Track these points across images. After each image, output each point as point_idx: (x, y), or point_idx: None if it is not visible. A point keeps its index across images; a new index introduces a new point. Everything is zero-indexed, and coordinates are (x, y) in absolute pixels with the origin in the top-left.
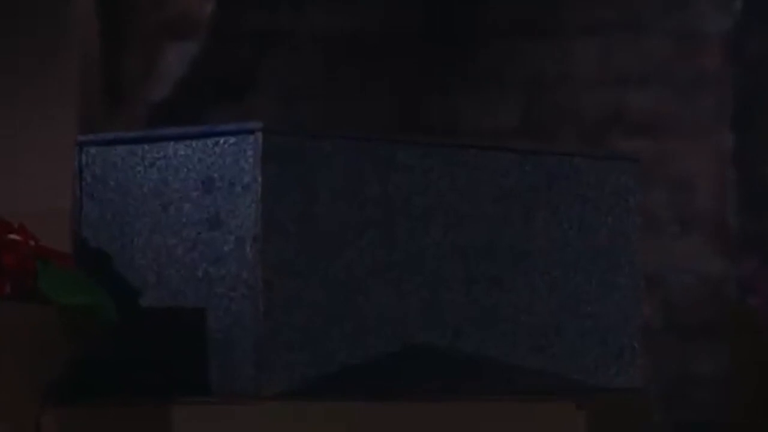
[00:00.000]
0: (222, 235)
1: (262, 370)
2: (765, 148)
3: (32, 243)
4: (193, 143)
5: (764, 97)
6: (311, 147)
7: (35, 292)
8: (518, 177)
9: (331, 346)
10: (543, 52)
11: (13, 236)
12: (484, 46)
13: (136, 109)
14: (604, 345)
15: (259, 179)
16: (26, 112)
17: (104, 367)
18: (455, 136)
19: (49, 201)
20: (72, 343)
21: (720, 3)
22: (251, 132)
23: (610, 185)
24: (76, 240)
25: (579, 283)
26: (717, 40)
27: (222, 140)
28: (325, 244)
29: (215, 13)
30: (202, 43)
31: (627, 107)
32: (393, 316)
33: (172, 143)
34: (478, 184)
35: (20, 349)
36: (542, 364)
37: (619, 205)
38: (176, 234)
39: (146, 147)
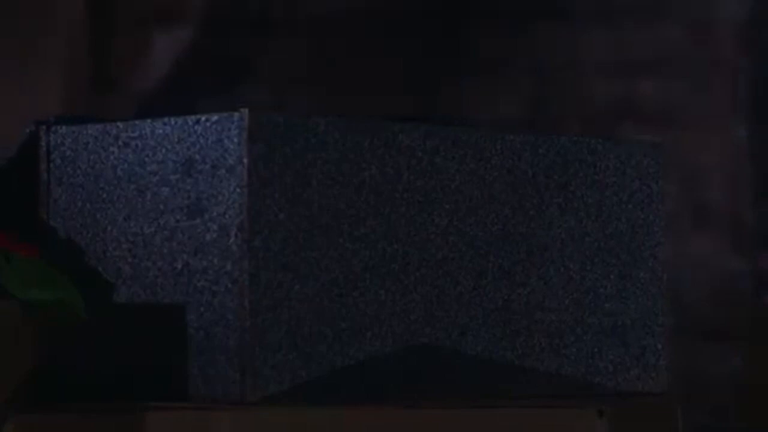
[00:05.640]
0: (204, 223)
1: (247, 373)
2: None
3: None
4: (172, 121)
5: None
6: (303, 126)
7: None
8: (531, 160)
9: (324, 347)
10: (551, 38)
11: None
12: (488, 30)
13: (125, 98)
14: (625, 345)
15: (245, 161)
16: (8, 99)
17: (73, 370)
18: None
19: None
20: (37, 343)
21: None
22: (236, 108)
23: (632, 169)
24: (43, 228)
25: (597, 277)
26: (732, 28)
27: (204, 118)
28: (317, 234)
29: None
30: (194, 30)
31: (638, 97)
32: (393, 313)
33: (148, 121)
34: (487, 167)
35: None
36: (557, 365)
37: (641, 192)
38: (153, 222)
39: (120, 126)
